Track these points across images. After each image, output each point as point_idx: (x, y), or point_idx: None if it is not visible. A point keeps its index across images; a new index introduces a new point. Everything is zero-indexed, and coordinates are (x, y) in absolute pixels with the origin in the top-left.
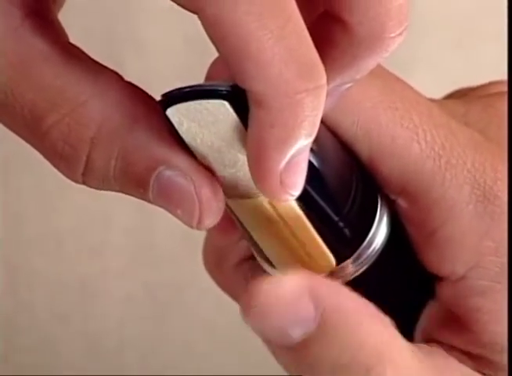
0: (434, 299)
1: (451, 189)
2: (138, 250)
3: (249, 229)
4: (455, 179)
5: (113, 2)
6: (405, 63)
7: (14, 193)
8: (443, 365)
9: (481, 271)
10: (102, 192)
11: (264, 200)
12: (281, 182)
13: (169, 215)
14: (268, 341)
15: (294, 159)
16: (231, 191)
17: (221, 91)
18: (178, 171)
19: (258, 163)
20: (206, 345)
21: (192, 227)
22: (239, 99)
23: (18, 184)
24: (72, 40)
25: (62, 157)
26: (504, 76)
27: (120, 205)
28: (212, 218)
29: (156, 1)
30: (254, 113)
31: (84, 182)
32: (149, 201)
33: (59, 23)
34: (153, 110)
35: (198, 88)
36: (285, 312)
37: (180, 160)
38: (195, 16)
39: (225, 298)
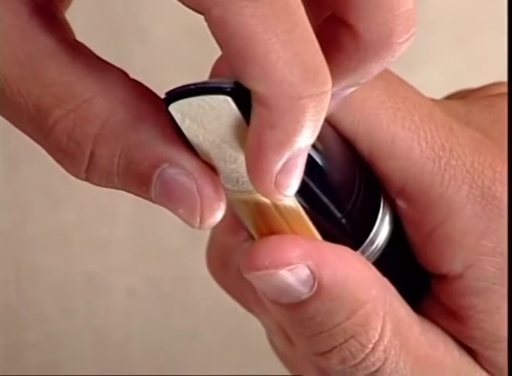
0: (430, 294)
1: (449, 190)
2: (142, 244)
3: (249, 225)
4: (453, 180)
5: None
6: (410, 59)
7: (18, 189)
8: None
9: (477, 271)
10: None
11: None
12: (275, 183)
13: None
14: (263, 295)
15: (291, 161)
16: (232, 186)
17: (225, 88)
18: (180, 170)
19: (255, 162)
20: (210, 338)
21: (193, 226)
22: (243, 96)
23: (22, 179)
24: (78, 34)
25: (66, 153)
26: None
27: (125, 199)
28: (214, 218)
29: None
30: (256, 111)
31: (87, 179)
32: (151, 200)
33: (65, 21)
34: (158, 109)
35: (202, 85)
36: (282, 277)
37: (183, 158)
38: None
39: None
